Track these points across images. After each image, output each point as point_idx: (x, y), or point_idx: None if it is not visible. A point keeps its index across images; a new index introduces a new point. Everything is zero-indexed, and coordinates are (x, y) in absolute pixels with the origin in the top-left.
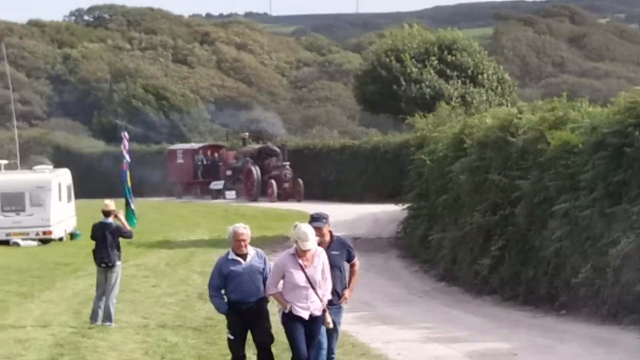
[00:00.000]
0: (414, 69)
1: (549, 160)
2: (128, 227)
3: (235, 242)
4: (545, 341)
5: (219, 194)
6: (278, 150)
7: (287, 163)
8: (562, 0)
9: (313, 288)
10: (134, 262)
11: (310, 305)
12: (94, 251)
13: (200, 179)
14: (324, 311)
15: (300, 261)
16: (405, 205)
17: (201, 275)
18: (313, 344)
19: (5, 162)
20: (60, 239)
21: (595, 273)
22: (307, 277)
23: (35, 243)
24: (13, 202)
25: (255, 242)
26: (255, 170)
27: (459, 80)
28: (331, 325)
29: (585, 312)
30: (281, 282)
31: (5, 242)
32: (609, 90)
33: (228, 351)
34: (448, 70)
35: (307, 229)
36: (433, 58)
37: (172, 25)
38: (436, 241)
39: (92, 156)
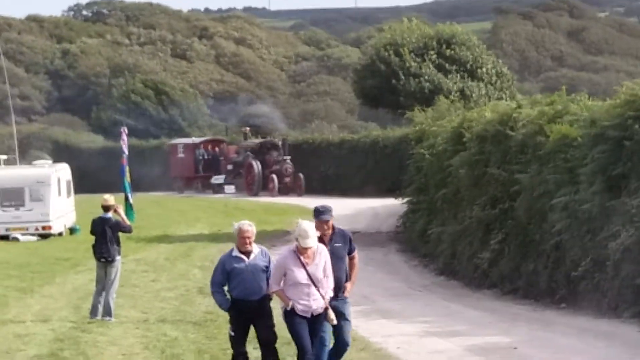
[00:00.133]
0: (413, 63)
1: (549, 153)
2: (127, 222)
3: (240, 239)
4: (545, 335)
5: (219, 188)
6: (279, 144)
7: (288, 157)
8: None
9: (315, 285)
10: (134, 256)
11: (312, 303)
12: (94, 246)
13: (201, 173)
14: (326, 308)
15: (301, 259)
16: (405, 200)
17: (201, 270)
18: (315, 341)
19: (4, 157)
20: (60, 234)
21: (595, 266)
22: (309, 275)
23: (34, 238)
24: (12, 197)
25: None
26: (256, 165)
27: (458, 75)
28: (334, 322)
29: (585, 306)
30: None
31: (5, 237)
32: (608, 84)
33: (228, 345)
34: (447, 65)
35: (308, 226)
36: (432, 52)
37: (170, 20)
38: (435, 235)
39: (91, 151)
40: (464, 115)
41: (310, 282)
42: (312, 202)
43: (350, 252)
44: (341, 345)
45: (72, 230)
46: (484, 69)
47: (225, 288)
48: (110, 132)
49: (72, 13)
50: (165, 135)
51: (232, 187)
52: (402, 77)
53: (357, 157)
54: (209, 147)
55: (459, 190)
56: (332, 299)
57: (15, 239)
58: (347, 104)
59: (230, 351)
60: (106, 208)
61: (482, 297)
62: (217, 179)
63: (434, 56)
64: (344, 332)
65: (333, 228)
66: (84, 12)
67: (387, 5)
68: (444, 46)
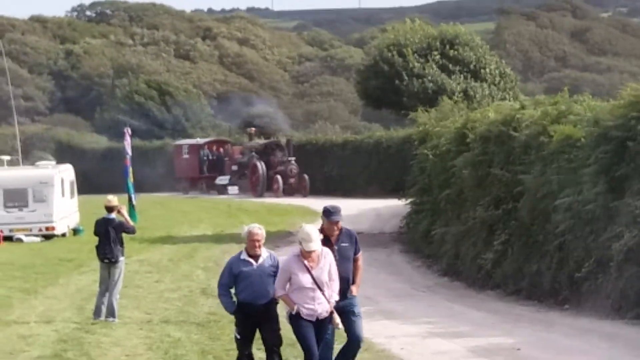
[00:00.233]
0: (417, 64)
1: (552, 154)
2: (131, 223)
3: (250, 242)
4: (549, 336)
5: (224, 189)
6: (284, 145)
7: (293, 158)
8: None
9: (320, 289)
10: (137, 257)
11: (317, 307)
12: (97, 247)
13: (206, 174)
14: (331, 312)
15: (305, 262)
16: (408, 200)
17: (204, 271)
18: (320, 344)
19: (7, 158)
20: (63, 235)
21: (599, 267)
22: (314, 279)
23: (38, 239)
24: (16, 198)
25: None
26: (261, 166)
27: (461, 75)
28: (340, 327)
29: (588, 307)
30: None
31: (9, 238)
32: (612, 84)
33: (231, 346)
34: (450, 65)
35: (311, 230)
36: (435, 53)
37: (174, 21)
38: (439, 236)
39: (94, 152)
40: (467, 115)
41: (315, 286)
42: (316, 203)
43: (355, 253)
44: (354, 339)
45: (75, 231)
46: (487, 70)
47: (232, 290)
48: (113, 132)
49: (75, 13)
50: (168, 136)
51: (236, 187)
52: (406, 78)
53: (360, 157)
54: (214, 147)
55: (462, 191)
56: (339, 299)
57: (19, 240)
58: (351, 105)
59: (233, 352)
60: (110, 209)
61: (485, 298)
62: (222, 180)
63: (437, 57)
64: (355, 327)
65: (340, 228)
66: (88, 13)
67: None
68: (447, 47)
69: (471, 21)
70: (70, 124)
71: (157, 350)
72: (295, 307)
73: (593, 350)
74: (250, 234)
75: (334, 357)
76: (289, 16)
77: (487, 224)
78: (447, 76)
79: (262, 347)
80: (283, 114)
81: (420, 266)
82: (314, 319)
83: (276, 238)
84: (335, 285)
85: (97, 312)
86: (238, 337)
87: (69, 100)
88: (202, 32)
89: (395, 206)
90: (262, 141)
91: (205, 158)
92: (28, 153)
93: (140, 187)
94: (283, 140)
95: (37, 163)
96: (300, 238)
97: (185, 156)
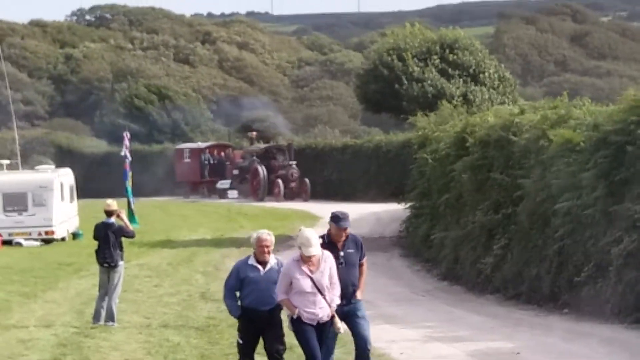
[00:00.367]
0: (416, 68)
1: (551, 158)
2: (130, 227)
3: (259, 247)
4: (548, 340)
5: (225, 193)
6: (285, 149)
7: (294, 162)
8: None
9: (321, 293)
10: (137, 261)
11: (318, 311)
12: (97, 251)
13: (207, 178)
14: (332, 316)
15: (305, 267)
16: (408, 204)
17: (203, 275)
18: (322, 349)
19: (7, 162)
20: (63, 239)
21: (598, 272)
22: (314, 283)
23: (37, 243)
24: (15, 202)
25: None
26: (262, 170)
27: (461, 79)
28: (341, 331)
29: (588, 311)
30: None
31: (8, 242)
32: (611, 89)
33: (230, 351)
34: (450, 69)
35: (310, 234)
36: (435, 57)
37: (173, 25)
38: (438, 240)
39: (94, 156)
40: (466, 120)
41: (315, 290)
42: (317, 207)
43: (360, 259)
44: (362, 342)
45: (75, 235)
46: (487, 74)
47: (237, 294)
48: (113, 137)
49: (75, 18)
50: (168, 140)
51: (235, 192)
52: (405, 82)
53: (360, 162)
54: (215, 151)
55: (461, 195)
56: (344, 304)
57: (19, 244)
58: (350, 109)
59: (232, 357)
60: (109, 213)
61: (485, 302)
62: (223, 184)
63: (437, 61)
64: (360, 328)
65: (347, 234)
66: (87, 17)
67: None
68: (447, 51)
69: (471, 25)
70: (69, 128)
71: (156, 355)
72: (297, 312)
73: (592, 354)
74: (259, 240)
75: None
76: (289, 20)
77: (486, 228)
78: (447, 80)
79: (263, 349)
80: (283, 118)
81: (420, 270)
82: (315, 323)
83: (276, 242)
84: (337, 288)
85: (96, 316)
86: (240, 342)
87: (69, 105)
88: (202, 37)
89: (394, 210)
90: (263, 145)
91: (206, 162)
92: (27, 157)
93: (139, 192)
94: (284, 144)
95: (37, 167)
96: (299, 243)
97: (187, 160)
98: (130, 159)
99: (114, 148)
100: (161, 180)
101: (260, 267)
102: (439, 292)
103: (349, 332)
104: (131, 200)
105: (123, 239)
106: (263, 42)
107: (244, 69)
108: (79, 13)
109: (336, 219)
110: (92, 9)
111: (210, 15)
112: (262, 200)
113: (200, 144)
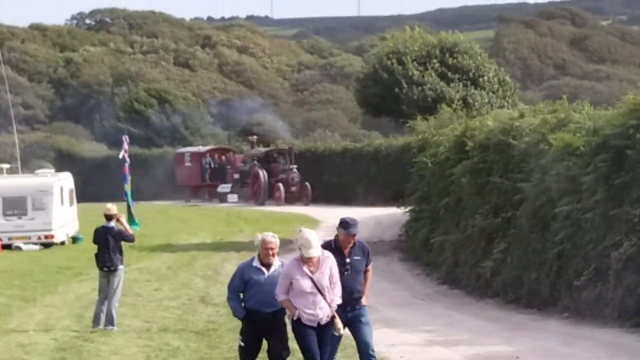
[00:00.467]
0: (416, 72)
1: (551, 162)
2: (130, 231)
3: (263, 250)
4: (548, 344)
5: (225, 197)
6: (285, 153)
7: (295, 166)
8: (564, 2)
9: (321, 294)
10: (136, 265)
11: (318, 312)
12: (97, 255)
13: (208, 182)
14: (333, 317)
15: (305, 267)
16: (407, 208)
17: (203, 279)
18: (323, 351)
19: (7, 166)
20: (62, 243)
21: (598, 275)
22: (314, 283)
23: (37, 247)
24: (15, 206)
25: (254, 245)
26: (263, 174)
27: (461, 83)
28: (341, 332)
29: (588, 315)
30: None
31: (8, 246)
32: (611, 92)
33: (230, 355)
34: (449, 73)
35: (311, 235)
36: (435, 61)
37: (173, 29)
38: (438, 244)
39: (94, 160)
40: (466, 123)
41: (315, 291)
42: (316, 211)
43: (366, 265)
44: (365, 348)
45: (74, 239)
46: (487, 78)
47: (241, 296)
48: (113, 141)
49: (75, 22)
50: (167, 144)
51: (235, 196)
52: (405, 86)
53: (359, 165)
54: (216, 155)
55: (461, 199)
56: (349, 310)
57: (18, 248)
58: (350, 113)
59: None
60: (109, 217)
61: (484, 306)
62: (224, 188)
63: (437, 65)
64: (363, 334)
65: (355, 241)
66: (87, 21)
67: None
68: (447, 55)
69: (470, 29)
70: (69, 132)
71: (155, 359)
72: (297, 313)
73: (592, 358)
74: (264, 242)
75: None
76: (289, 24)
77: (486, 232)
78: (446, 84)
79: (264, 352)
80: (283, 122)
81: (420, 274)
82: (315, 324)
83: None
84: (337, 288)
85: (96, 321)
86: (242, 344)
87: (69, 109)
88: (202, 40)
89: (394, 214)
90: (263, 149)
91: (207, 166)
92: (27, 161)
93: (139, 196)
94: (285, 148)
95: (37, 171)
96: (299, 244)
97: (187, 164)
98: (129, 162)
99: (113, 152)
100: (161, 184)
101: (264, 269)
102: (439, 296)
103: (350, 337)
104: (131, 203)
105: (123, 243)
106: (263, 46)
107: (244, 73)
108: (79, 17)
109: (345, 225)
110: (92, 13)
111: (210, 19)
112: (262, 204)
113: (201, 148)
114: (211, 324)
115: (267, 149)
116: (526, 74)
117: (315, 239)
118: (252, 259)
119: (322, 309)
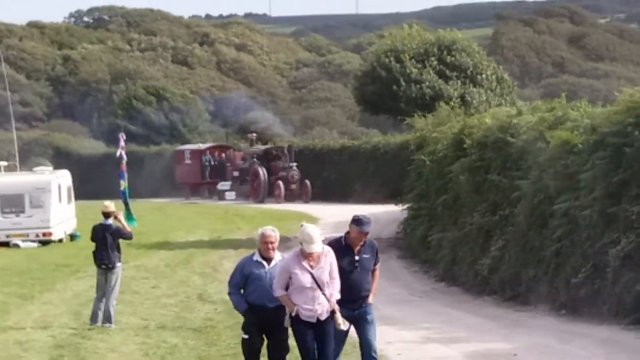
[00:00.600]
0: (414, 70)
1: (549, 160)
2: (128, 229)
3: (263, 244)
4: (546, 341)
5: (225, 194)
6: (285, 151)
7: (295, 164)
8: (562, 0)
9: (320, 289)
10: (134, 263)
11: (317, 307)
12: (94, 253)
13: (208, 179)
14: (332, 312)
15: (305, 262)
16: (405, 206)
17: (201, 277)
18: (325, 349)
19: (4, 163)
20: (60, 241)
21: (596, 273)
22: (314, 278)
23: (35, 244)
24: (13, 203)
25: (251, 242)
26: (262, 171)
27: (459, 81)
28: (343, 328)
29: (585, 312)
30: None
31: (6, 244)
32: (609, 90)
33: (227, 352)
34: (447, 71)
35: (312, 231)
36: (432, 58)
37: (171, 26)
38: (436, 241)
39: (92, 157)
40: (464, 121)
41: (315, 286)
42: (314, 208)
43: (374, 264)
44: (368, 348)
45: (72, 237)
46: (485, 75)
47: (242, 291)
48: (111, 138)
49: (73, 19)
50: (165, 141)
51: (233, 193)
52: (403, 84)
53: (358, 163)
54: (215, 153)
55: (459, 197)
56: (355, 308)
57: (16, 246)
58: (348, 110)
59: (229, 358)
60: (107, 215)
61: (482, 303)
62: (224, 185)
63: (435, 62)
64: (366, 333)
65: (365, 239)
66: (85, 19)
67: (388, 12)
68: (445, 52)
69: (468, 27)
70: (67, 130)
71: (153, 356)
72: (295, 309)
73: (590, 355)
74: (263, 236)
75: None
76: (287, 22)
77: (484, 230)
78: (444, 82)
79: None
80: (280, 121)
81: (418, 271)
82: (314, 320)
83: None
84: (337, 283)
85: (93, 318)
86: (245, 337)
87: (67, 106)
88: (200, 38)
89: (392, 211)
90: (263, 147)
91: (207, 163)
92: (25, 159)
93: (137, 193)
94: (284, 146)
95: (35, 169)
96: (301, 239)
97: (187, 162)
98: (126, 159)
99: (111, 149)
100: (159, 181)
101: (265, 263)
102: (437, 294)
103: (348, 334)
104: (128, 201)
105: (120, 240)
106: (261, 43)
107: (242, 71)
108: (77, 15)
109: (359, 222)
110: (90, 11)
111: (208, 16)
112: (262, 202)
113: (201, 145)
114: (209, 321)
115: (266, 146)
116: (524, 71)
117: (317, 234)
118: (253, 254)
119: (321, 304)
